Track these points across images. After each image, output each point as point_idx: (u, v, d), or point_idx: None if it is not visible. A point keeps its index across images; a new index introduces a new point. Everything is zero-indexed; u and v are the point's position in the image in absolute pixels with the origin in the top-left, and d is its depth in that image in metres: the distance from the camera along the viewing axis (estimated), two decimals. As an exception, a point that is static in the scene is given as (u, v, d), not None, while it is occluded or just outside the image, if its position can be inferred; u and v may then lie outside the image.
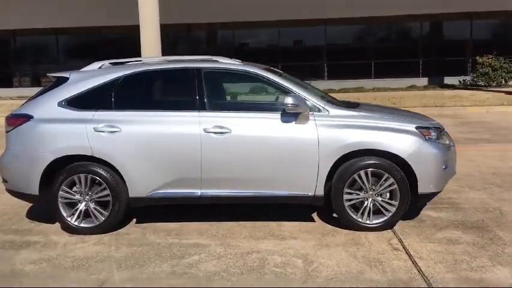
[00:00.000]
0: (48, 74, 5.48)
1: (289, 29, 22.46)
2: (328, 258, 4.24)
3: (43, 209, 5.76)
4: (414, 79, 21.83)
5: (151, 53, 16.50)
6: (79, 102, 4.98)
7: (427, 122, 5.05)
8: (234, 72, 5.11)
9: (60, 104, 4.98)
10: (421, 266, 4.01)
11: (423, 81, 22.00)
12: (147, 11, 16.56)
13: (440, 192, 4.96)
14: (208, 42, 24.17)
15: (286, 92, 4.92)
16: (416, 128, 4.83)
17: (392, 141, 4.73)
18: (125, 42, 22.86)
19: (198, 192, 4.89)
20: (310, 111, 4.80)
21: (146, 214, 5.36)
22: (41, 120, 4.95)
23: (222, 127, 4.78)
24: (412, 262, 4.10)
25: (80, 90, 4.99)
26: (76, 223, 4.96)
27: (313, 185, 4.79)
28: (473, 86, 20.75)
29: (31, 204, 6.03)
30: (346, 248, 4.45)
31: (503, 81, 20.19)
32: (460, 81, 21.64)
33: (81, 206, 4.94)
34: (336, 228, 4.94)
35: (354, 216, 4.82)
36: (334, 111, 4.87)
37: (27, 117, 4.98)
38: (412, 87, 20.89)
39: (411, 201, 4.82)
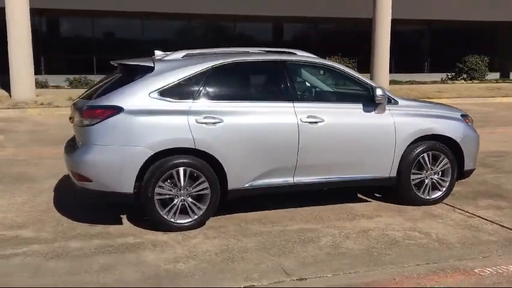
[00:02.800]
0: (113, 62, 5.04)
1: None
2: (432, 228, 4.88)
3: (75, 210, 5.30)
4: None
5: (20, 38, 14.98)
6: (172, 92, 4.73)
7: (462, 111, 6.03)
8: (313, 65, 5.41)
9: (152, 95, 4.67)
10: (510, 226, 4.93)
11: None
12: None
13: (475, 169, 5.98)
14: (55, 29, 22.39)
15: (361, 84, 5.40)
16: (461, 115, 5.78)
17: (450, 127, 5.59)
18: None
19: (292, 180, 5.09)
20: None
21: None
22: (133, 112, 4.58)
23: (315, 117, 5.06)
24: (498, 225, 4.99)
25: (172, 81, 4.74)
26: (172, 220, 4.73)
27: (389, 167, 5.38)
28: (322, 83, 23.15)
29: (50, 207, 5.44)
30: (433, 220, 5.14)
31: (347, 79, 22.99)
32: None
33: (178, 201, 4.72)
34: (396, 205, 5.59)
35: (418, 193, 5.55)
36: (402, 101, 5.52)
37: (117, 109, 4.55)
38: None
39: (457, 177, 5.75)
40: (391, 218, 5.18)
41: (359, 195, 5.97)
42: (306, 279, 3.75)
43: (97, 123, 4.54)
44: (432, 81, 24.07)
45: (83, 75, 20.17)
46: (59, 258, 4.14)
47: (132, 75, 4.82)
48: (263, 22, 23.93)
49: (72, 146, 5.05)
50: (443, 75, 25.14)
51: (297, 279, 3.75)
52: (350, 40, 24.33)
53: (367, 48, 19.31)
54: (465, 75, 24.85)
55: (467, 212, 5.37)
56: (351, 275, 3.82)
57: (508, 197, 5.96)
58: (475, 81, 24.28)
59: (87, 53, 21.63)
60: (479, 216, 5.23)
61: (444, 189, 5.64)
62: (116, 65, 5.51)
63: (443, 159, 5.57)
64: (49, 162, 7.94)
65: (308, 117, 5.03)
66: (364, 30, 20.62)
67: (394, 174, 5.42)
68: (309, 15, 22.49)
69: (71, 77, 20.00)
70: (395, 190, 5.58)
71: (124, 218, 5.16)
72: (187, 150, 4.70)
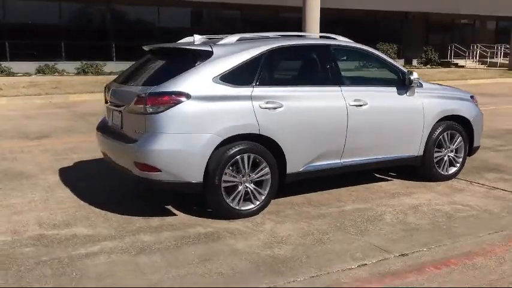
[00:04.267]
0: (150, 46, 4.83)
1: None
2: (469, 201, 5.26)
3: (111, 204, 5.07)
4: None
5: None
6: (233, 77, 4.62)
7: (469, 93, 6.51)
8: (354, 50, 5.53)
9: (215, 81, 4.53)
10: (530, 195, 5.50)
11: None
12: None
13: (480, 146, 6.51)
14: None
15: (393, 68, 5.64)
16: (470, 96, 6.26)
17: (465, 107, 6.05)
18: None
19: (340, 161, 5.23)
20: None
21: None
22: (199, 98, 4.42)
23: (360, 100, 5.22)
24: (519, 194, 5.55)
25: (232, 65, 4.63)
26: (237, 207, 4.67)
27: (418, 147, 5.72)
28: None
29: (80, 203, 5.10)
30: (461, 193, 5.55)
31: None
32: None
33: (242, 188, 4.67)
34: (417, 182, 5.93)
35: (439, 170, 5.96)
36: (425, 84, 5.85)
37: (185, 96, 4.37)
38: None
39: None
40: (425, 194, 5.52)
41: (377, 175, 6.25)
42: (407, 254, 3.92)
43: (164, 110, 4.32)
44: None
45: (-4, 62, 18.58)
46: (146, 253, 3.93)
47: (188, 60, 4.63)
48: (184, 7, 23.50)
49: (120, 134, 4.75)
50: (357, 62, 26.53)
51: (399, 255, 3.91)
52: (279, 27, 24.72)
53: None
54: (377, 62, 26.44)
55: (484, 185, 5.87)
56: (443, 248, 4.06)
57: (505, 170, 6.58)
58: (386, 67, 25.93)
59: (-2, 37, 19.89)
60: (497, 188, 5.75)
61: (459, 165, 6.11)
62: (147, 49, 5.27)
63: (458, 137, 6.02)
64: (27, 156, 7.34)
65: (354, 100, 5.18)
66: (295, 17, 21.01)
67: (421, 153, 5.76)
68: (235, 2, 22.51)
69: (-17, 64, 18.33)
70: (420, 168, 5.92)
71: (170, 207, 5.00)
72: (251, 136, 4.64)
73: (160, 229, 4.44)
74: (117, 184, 5.87)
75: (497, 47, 30.27)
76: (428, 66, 28.22)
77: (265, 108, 4.65)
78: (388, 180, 6.08)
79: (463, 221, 4.68)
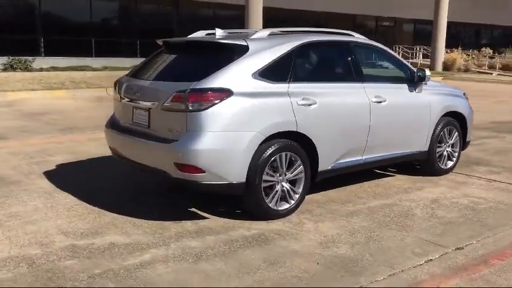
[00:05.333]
0: (163, 40, 4.60)
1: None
2: (480, 194, 5.46)
3: (128, 208, 4.77)
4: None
5: None
6: (270, 73, 4.45)
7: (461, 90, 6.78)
8: (368, 47, 5.56)
9: (254, 76, 4.35)
10: (529, 186, 5.83)
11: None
12: None
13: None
14: None
15: (403, 65, 5.74)
16: (463, 94, 6.53)
17: (461, 104, 6.30)
18: None
19: (362, 158, 5.24)
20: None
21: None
22: (241, 95, 4.22)
23: (380, 97, 5.26)
24: (519, 186, 5.86)
25: (269, 60, 4.46)
26: (275, 207, 4.52)
27: (425, 142, 5.87)
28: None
29: (94, 208, 4.73)
30: (467, 186, 5.76)
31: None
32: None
33: (278, 188, 4.53)
34: (419, 177, 6.10)
35: (439, 164, 6.16)
36: (429, 82, 6.01)
37: (228, 92, 4.14)
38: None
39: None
40: (435, 188, 5.67)
41: (377, 171, 6.32)
42: (463, 248, 3.99)
43: (208, 108, 4.07)
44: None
45: None
46: (205, 260, 3.68)
47: (223, 55, 4.40)
48: (117, 1, 22.58)
49: (148, 133, 4.42)
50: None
51: (456, 249, 3.97)
52: (224, 25, 24.42)
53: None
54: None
55: (482, 178, 6.15)
56: (489, 239, 4.17)
57: (489, 163, 6.94)
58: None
59: None
60: (495, 180, 6.04)
61: (455, 159, 6.35)
62: (161, 42, 4.99)
63: (454, 133, 6.26)
64: (-3, 160, 6.66)
65: (375, 97, 5.20)
66: (234, 15, 20.92)
67: (426, 148, 5.92)
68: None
69: None
70: (424, 162, 6.07)
71: (194, 209, 4.76)
72: (288, 134, 4.50)
73: (201, 233, 4.19)
74: (118, 186, 5.52)
75: (416, 48, 32.03)
76: (356, 65, 29.26)
77: (302, 105, 4.54)
78: (391, 175, 6.18)
79: (488, 213, 4.85)
